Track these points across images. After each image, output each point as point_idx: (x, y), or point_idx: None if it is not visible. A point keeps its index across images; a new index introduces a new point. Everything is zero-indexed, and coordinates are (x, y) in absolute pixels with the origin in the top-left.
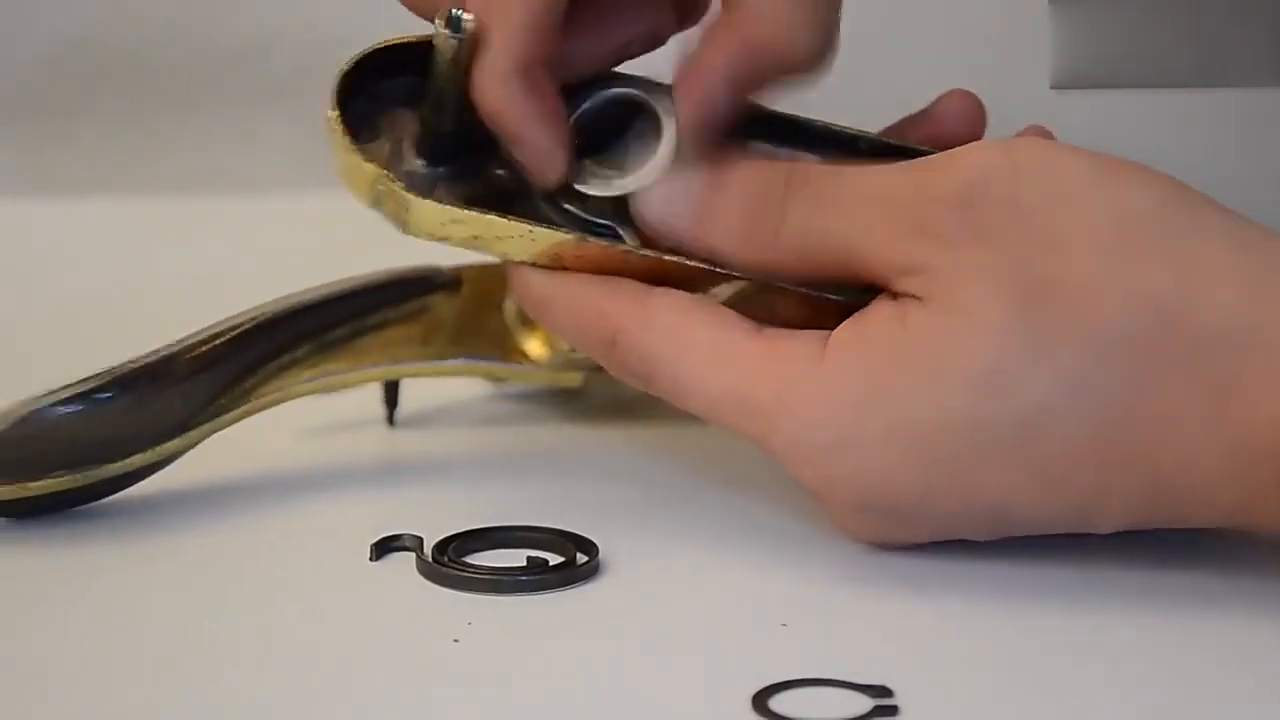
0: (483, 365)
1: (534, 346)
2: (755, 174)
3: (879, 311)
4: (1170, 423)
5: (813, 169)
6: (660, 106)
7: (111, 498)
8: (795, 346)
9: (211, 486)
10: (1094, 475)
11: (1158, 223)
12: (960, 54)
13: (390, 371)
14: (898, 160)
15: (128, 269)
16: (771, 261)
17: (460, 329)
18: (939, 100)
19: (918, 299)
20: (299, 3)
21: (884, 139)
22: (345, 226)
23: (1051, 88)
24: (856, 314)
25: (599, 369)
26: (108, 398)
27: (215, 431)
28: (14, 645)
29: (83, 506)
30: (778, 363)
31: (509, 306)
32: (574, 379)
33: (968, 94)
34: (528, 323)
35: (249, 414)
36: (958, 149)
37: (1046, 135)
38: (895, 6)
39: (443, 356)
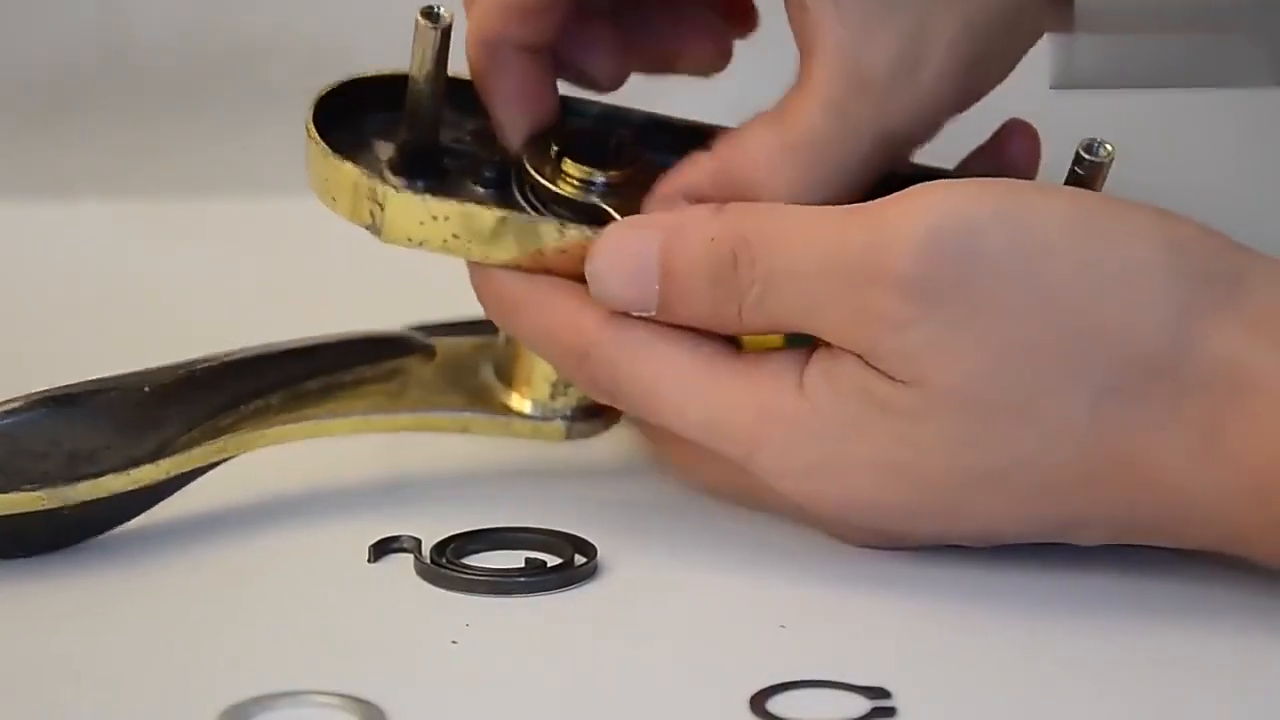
0: (462, 417)
1: (514, 400)
2: (703, 251)
3: (850, 370)
4: (1155, 464)
5: (750, 229)
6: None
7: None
8: (770, 373)
9: (209, 489)
10: (1078, 505)
11: (1137, 268)
12: None
13: (367, 423)
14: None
15: (124, 272)
16: (744, 333)
17: (438, 386)
18: (1001, 132)
19: (884, 374)
20: (297, 6)
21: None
22: (343, 231)
23: (1051, 88)
24: (829, 355)
25: (579, 418)
26: (85, 405)
27: (190, 467)
28: (14, 644)
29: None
30: (754, 388)
31: (486, 370)
32: (556, 432)
33: (1027, 125)
34: (508, 379)
35: (223, 454)
36: (911, 196)
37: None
38: None
39: (420, 408)
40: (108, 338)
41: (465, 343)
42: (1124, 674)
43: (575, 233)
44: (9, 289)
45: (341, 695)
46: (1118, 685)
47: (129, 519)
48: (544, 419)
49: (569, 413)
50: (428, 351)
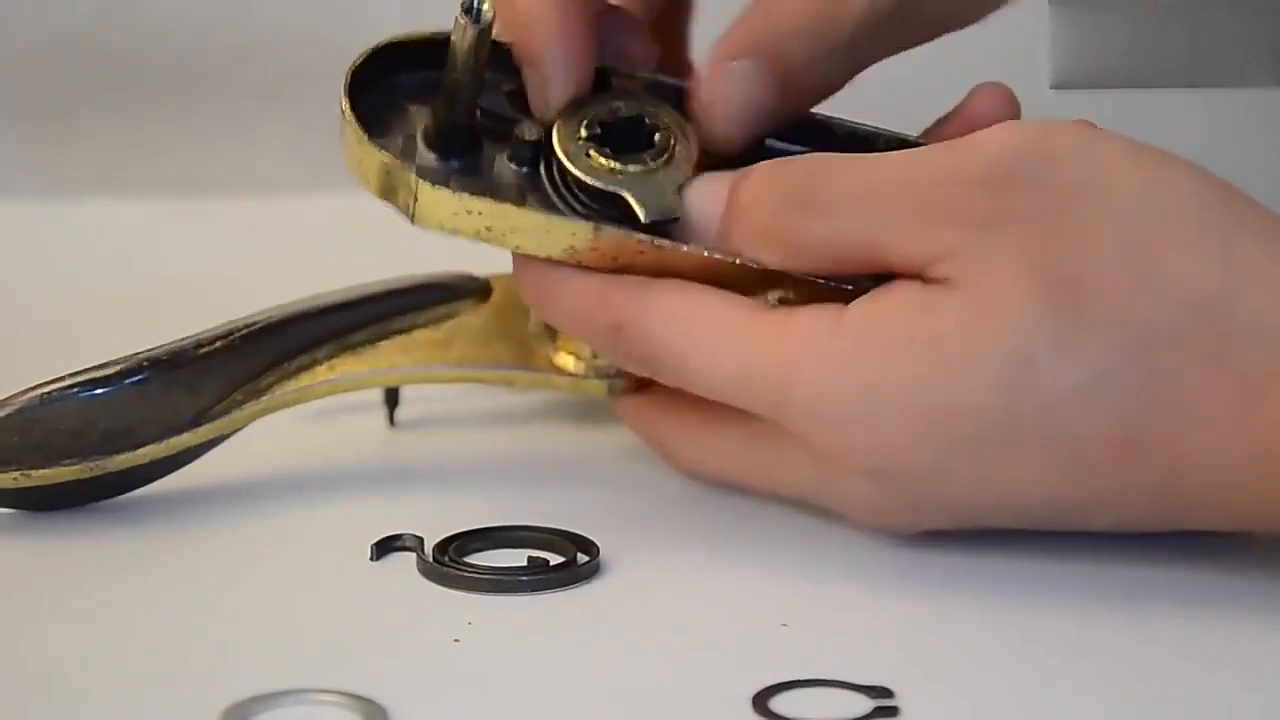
0: (506, 373)
1: (559, 357)
2: (784, 169)
3: (901, 291)
4: (1194, 420)
5: (835, 162)
6: (667, 121)
7: (110, 500)
8: (807, 320)
9: (211, 486)
10: (1111, 469)
11: (1195, 215)
12: (960, 54)
13: (411, 375)
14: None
15: (126, 269)
16: (797, 258)
17: (486, 336)
18: (970, 96)
19: (943, 283)
20: (299, 2)
21: (901, 135)
22: (348, 226)
23: (1051, 88)
24: (874, 291)
25: (620, 376)
26: (117, 386)
27: (231, 429)
28: (14, 644)
29: (89, 505)
30: (790, 336)
31: (535, 315)
32: (598, 388)
33: (998, 86)
34: (553, 332)
35: (265, 412)
36: (986, 129)
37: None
38: None
39: (465, 362)
40: (108, 335)
41: None
42: (1129, 671)
43: (609, 232)
44: (9, 287)
45: (344, 694)
46: (1122, 683)
47: (171, 473)
48: (585, 376)
49: (611, 370)
50: (482, 293)
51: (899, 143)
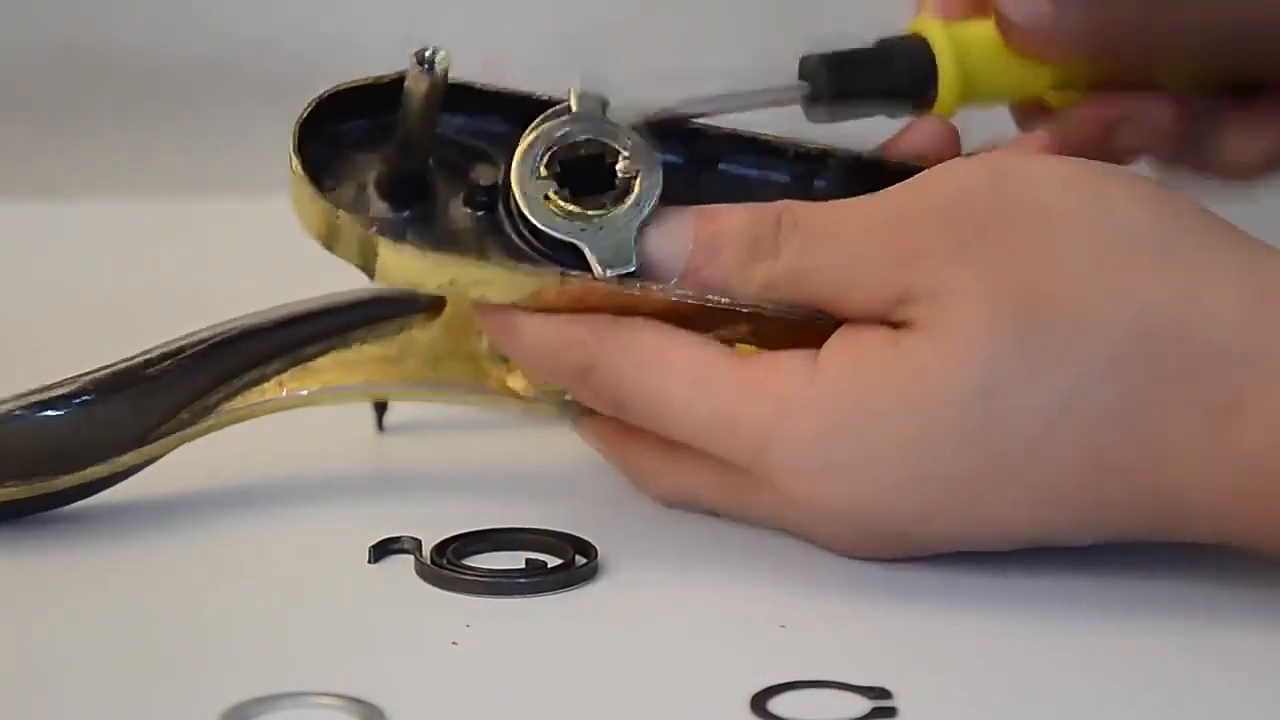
0: (457, 392)
1: (511, 379)
2: (749, 215)
3: (871, 333)
4: (1169, 445)
5: (802, 208)
6: (625, 144)
7: (109, 503)
8: (783, 367)
9: (209, 490)
10: (1092, 495)
11: (1152, 233)
12: None
13: (363, 394)
14: (868, 174)
15: (123, 272)
16: (765, 298)
17: (437, 355)
18: (910, 125)
19: (909, 325)
20: (297, 4)
21: (853, 152)
22: None
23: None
24: (845, 332)
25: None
26: (62, 409)
27: (177, 445)
28: (14, 647)
29: (80, 509)
30: (766, 384)
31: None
32: (551, 411)
33: (938, 116)
34: (503, 354)
35: (213, 429)
36: (937, 167)
37: (1047, 143)
38: (896, 6)
39: (417, 381)
40: (105, 338)
41: None
42: (1126, 675)
43: (576, 280)
44: (6, 289)
45: (342, 696)
46: (1119, 686)
47: (116, 484)
48: (537, 399)
49: (565, 393)
50: (433, 308)
51: (851, 160)
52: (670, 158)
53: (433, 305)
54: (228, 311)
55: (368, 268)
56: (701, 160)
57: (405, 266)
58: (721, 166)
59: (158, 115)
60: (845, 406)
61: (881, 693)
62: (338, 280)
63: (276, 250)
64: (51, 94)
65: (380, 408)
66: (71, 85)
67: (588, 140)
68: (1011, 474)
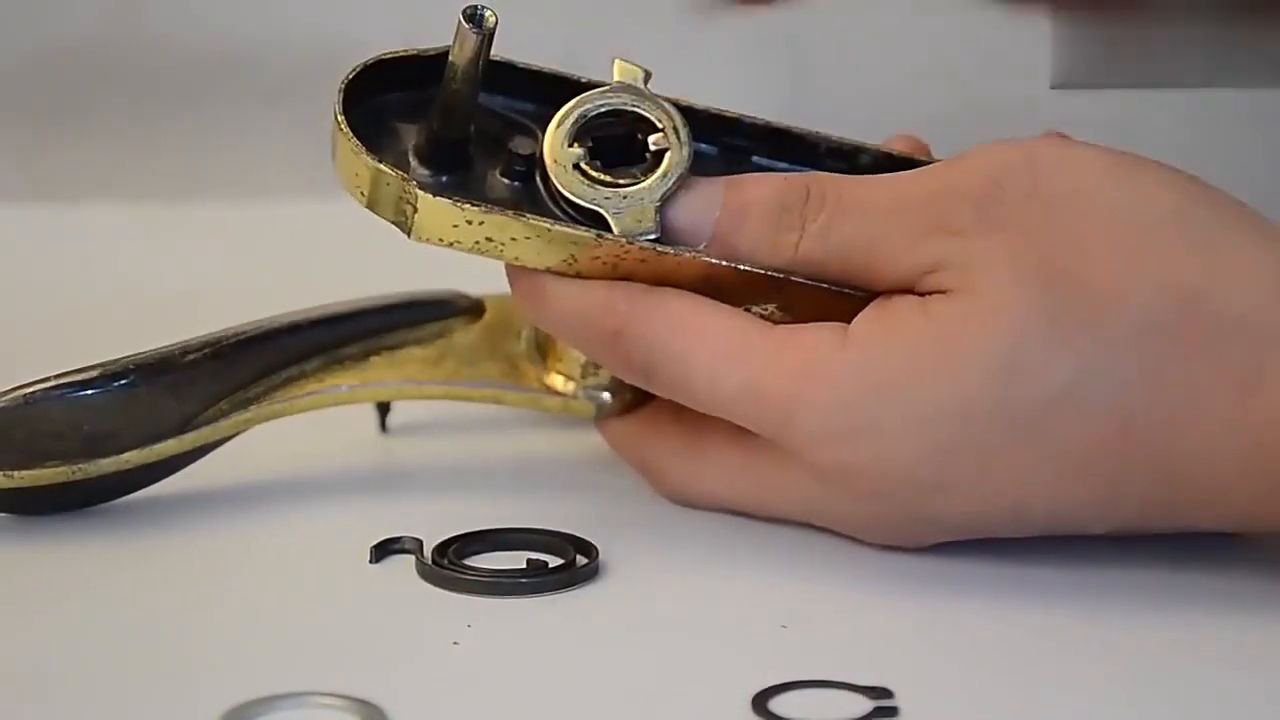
0: (494, 390)
1: (549, 377)
2: (778, 183)
3: (902, 301)
4: (1191, 415)
5: (830, 180)
6: (661, 117)
7: (110, 503)
8: (813, 337)
9: (210, 490)
10: (1112, 467)
11: (1181, 216)
12: (961, 54)
13: (400, 391)
14: (899, 171)
15: (125, 275)
16: (793, 267)
17: (475, 355)
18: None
19: (941, 292)
20: (299, 6)
21: (886, 150)
22: (346, 232)
23: (1052, 88)
24: (877, 303)
25: (609, 399)
26: (102, 389)
27: (216, 438)
28: (15, 647)
29: (82, 510)
30: (796, 353)
31: (525, 335)
32: (587, 409)
33: (912, 138)
34: (543, 352)
35: (251, 423)
36: (974, 149)
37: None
38: (897, 6)
39: (453, 379)
40: (107, 338)
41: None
42: (1128, 672)
43: (611, 241)
44: (9, 290)
45: (343, 696)
46: (1122, 683)
47: (157, 481)
48: (574, 397)
49: (599, 391)
50: (475, 311)
51: (884, 157)
52: (704, 147)
53: (474, 309)
54: (228, 313)
55: (405, 223)
56: (734, 152)
57: (440, 222)
58: (754, 159)
59: (157, 119)
60: (872, 371)
61: (883, 692)
62: (338, 281)
63: (277, 251)
64: (49, 98)
65: (383, 409)
66: (70, 89)
67: (624, 112)
68: (1032, 441)
